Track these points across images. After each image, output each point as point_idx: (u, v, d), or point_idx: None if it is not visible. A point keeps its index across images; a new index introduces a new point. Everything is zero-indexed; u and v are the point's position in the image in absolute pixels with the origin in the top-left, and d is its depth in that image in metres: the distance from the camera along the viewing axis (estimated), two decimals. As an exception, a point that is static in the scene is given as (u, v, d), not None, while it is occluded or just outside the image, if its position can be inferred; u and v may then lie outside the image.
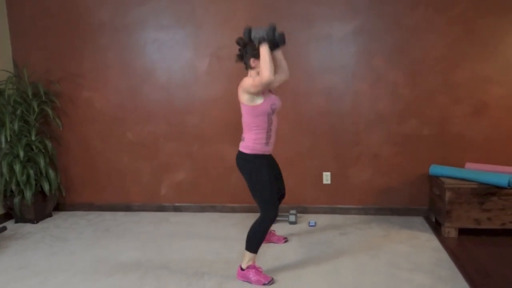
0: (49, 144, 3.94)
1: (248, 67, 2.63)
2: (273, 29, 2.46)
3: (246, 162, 2.64)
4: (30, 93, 3.83)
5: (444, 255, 2.96)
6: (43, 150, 3.91)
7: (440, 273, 2.67)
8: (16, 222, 3.95)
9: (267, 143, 2.64)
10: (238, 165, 2.69)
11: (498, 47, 3.50)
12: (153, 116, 4.01)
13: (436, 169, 3.51)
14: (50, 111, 3.91)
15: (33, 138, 3.88)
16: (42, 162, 3.86)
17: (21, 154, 3.71)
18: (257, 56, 2.53)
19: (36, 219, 3.91)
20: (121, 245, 3.30)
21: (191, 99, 3.93)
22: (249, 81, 2.50)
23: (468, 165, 3.52)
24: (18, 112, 3.77)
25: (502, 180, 3.10)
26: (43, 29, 4.00)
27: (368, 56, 3.67)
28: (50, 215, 4.11)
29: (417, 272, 2.69)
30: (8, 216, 4.06)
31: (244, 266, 2.63)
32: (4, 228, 3.69)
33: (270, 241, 3.23)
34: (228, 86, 3.85)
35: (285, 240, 3.27)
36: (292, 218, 3.64)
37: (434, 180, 3.55)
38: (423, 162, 3.74)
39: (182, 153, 4.03)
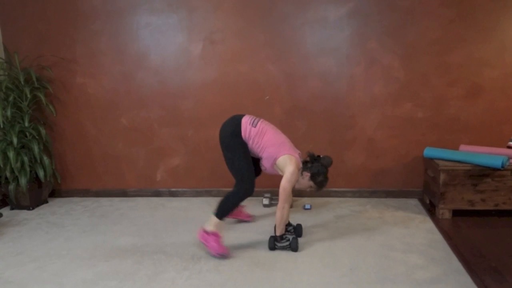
0: (42, 131, 3.92)
1: (302, 169, 2.84)
2: (296, 240, 2.83)
3: (235, 132, 2.79)
4: (22, 79, 3.79)
5: (438, 236, 2.99)
6: (36, 137, 3.89)
7: (434, 254, 2.71)
8: (12, 209, 3.95)
9: (249, 146, 2.85)
10: (226, 129, 2.83)
11: (493, 29, 3.49)
12: (147, 102, 3.99)
13: (430, 152, 3.52)
14: (43, 97, 3.87)
15: (26, 124, 3.85)
16: (36, 149, 3.84)
17: (15, 140, 3.69)
18: (312, 178, 2.81)
19: (31, 206, 3.91)
20: (117, 230, 3.31)
21: (185, 84, 3.91)
22: (291, 176, 2.71)
23: (463, 147, 3.54)
24: (11, 98, 3.73)
25: (496, 162, 3.13)
26: (34, 14, 3.94)
27: (362, 39, 3.65)
28: (45, 202, 4.11)
29: (411, 253, 2.73)
30: (3, 203, 4.06)
31: (208, 229, 2.76)
32: (0, 215, 3.69)
33: (237, 217, 3.31)
34: (222, 70, 3.83)
35: (251, 218, 3.35)
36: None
37: (428, 163, 3.57)
38: (418, 145, 3.76)
39: (177, 138, 4.03)
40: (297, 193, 3.96)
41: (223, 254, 2.72)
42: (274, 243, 2.82)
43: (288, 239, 2.83)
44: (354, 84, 3.73)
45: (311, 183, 2.83)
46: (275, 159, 2.78)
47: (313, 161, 2.85)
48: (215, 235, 2.76)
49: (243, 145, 2.80)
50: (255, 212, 3.63)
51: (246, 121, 2.83)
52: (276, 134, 2.85)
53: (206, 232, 2.77)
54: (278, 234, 2.82)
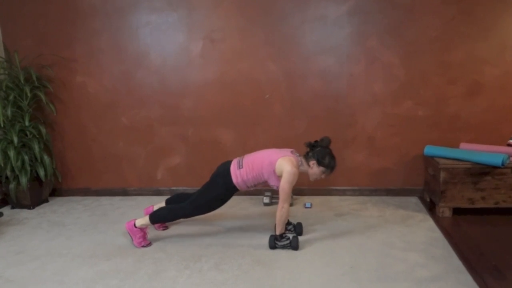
0: (43, 130, 3.92)
1: (307, 160, 2.86)
2: (297, 238, 2.84)
3: (225, 180, 2.86)
4: (22, 78, 3.79)
5: (438, 234, 2.99)
6: (37, 136, 3.89)
7: (434, 252, 2.71)
8: (13, 208, 3.96)
9: (247, 186, 2.89)
10: (218, 174, 2.91)
11: (494, 27, 3.49)
12: (147, 100, 3.99)
13: (431, 150, 3.52)
14: (43, 96, 3.87)
15: (26, 123, 3.85)
16: (36, 148, 3.84)
17: (15, 140, 3.69)
18: (320, 163, 2.81)
19: (32, 205, 3.91)
20: (118, 229, 3.31)
21: (185, 83, 3.91)
22: (289, 176, 2.72)
23: (463, 145, 3.54)
24: (11, 97, 3.73)
25: (496, 160, 3.13)
26: (34, 13, 3.94)
27: (363, 37, 3.64)
28: (46, 201, 4.12)
29: (412, 251, 2.73)
30: (4, 202, 4.06)
31: (137, 225, 2.91)
32: (1, 214, 3.70)
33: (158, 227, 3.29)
34: (222, 69, 3.83)
35: (164, 228, 3.30)
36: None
37: (429, 161, 3.57)
38: (418, 143, 3.76)
39: (177, 137, 4.03)
40: (297, 191, 3.96)
41: (146, 246, 2.94)
42: (274, 242, 2.82)
43: (288, 238, 2.83)
44: (354, 83, 3.73)
45: (321, 168, 2.82)
46: (275, 172, 2.79)
47: (312, 148, 2.86)
48: (143, 230, 2.95)
49: (226, 192, 2.88)
50: (256, 211, 3.63)
51: (234, 168, 2.88)
52: (261, 153, 2.89)
53: (135, 227, 2.92)
54: (278, 233, 2.82)
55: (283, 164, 2.75)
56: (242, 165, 2.86)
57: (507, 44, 3.50)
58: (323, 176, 2.88)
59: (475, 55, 3.55)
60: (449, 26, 3.53)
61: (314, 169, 2.84)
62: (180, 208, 2.91)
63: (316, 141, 2.89)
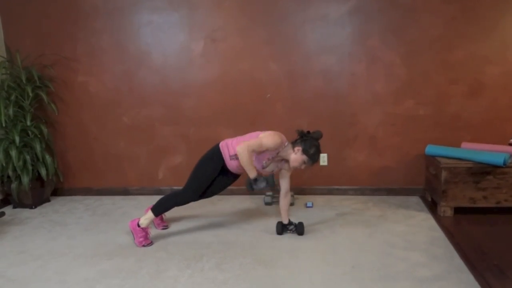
0: (44, 129, 3.93)
1: (293, 145, 2.85)
2: (272, 176, 2.84)
3: (212, 150, 2.96)
4: (24, 78, 3.80)
5: (440, 233, 2.99)
6: (38, 135, 3.90)
7: (435, 251, 2.71)
8: (14, 207, 3.97)
9: (229, 155, 2.89)
10: (209, 151, 2.99)
11: (495, 26, 3.48)
12: (148, 100, 3.99)
13: (432, 149, 3.52)
14: (44, 96, 3.88)
15: (28, 123, 3.86)
16: (38, 147, 3.85)
17: (17, 139, 3.70)
18: (304, 152, 2.78)
19: (34, 204, 3.92)
20: (119, 228, 3.32)
21: (186, 82, 3.91)
22: (269, 133, 2.78)
23: (464, 144, 3.54)
24: (12, 97, 3.74)
25: (498, 159, 3.12)
26: (36, 12, 3.94)
27: (364, 37, 3.64)
28: (48, 200, 4.12)
29: (413, 250, 2.73)
30: (6, 201, 4.07)
31: (141, 223, 2.93)
32: (3, 214, 3.71)
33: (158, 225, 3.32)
34: (223, 68, 3.83)
35: (164, 226, 3.31)
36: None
37: (430, 160, 3.57)
38: (419, 142, 3.75)
39: (179, 136, 4.03)
40: (299, 191, 3.96)
41: (147, 245, 2.95)
42: (281, 228, 2.95)
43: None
44: (355, 82, 3.72)
45: (304, 157, 2.80)
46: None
47: (302, 136, 2.87)
48: (145, 230, 2.96)
49: (217, 166, 2.93)
50: (256, 210, 3.63)
51: (226, 139, 2.99)
52: (255, 133, 2.93)
53: (139, 226, 2.94)
54: (251, 177, 2.79)
55: (265, 135, 2.79)
56: (235, 138, 2.95)
57: (509, 43, 3.49)
58: (302, 166, 2.85)
59: (477, 54, 3.54)
60: (451, 25, 3.53)
61: (298, 155, 2.82)
62: (178, 193, 2.96)
63: (308, 132, 2.89)
